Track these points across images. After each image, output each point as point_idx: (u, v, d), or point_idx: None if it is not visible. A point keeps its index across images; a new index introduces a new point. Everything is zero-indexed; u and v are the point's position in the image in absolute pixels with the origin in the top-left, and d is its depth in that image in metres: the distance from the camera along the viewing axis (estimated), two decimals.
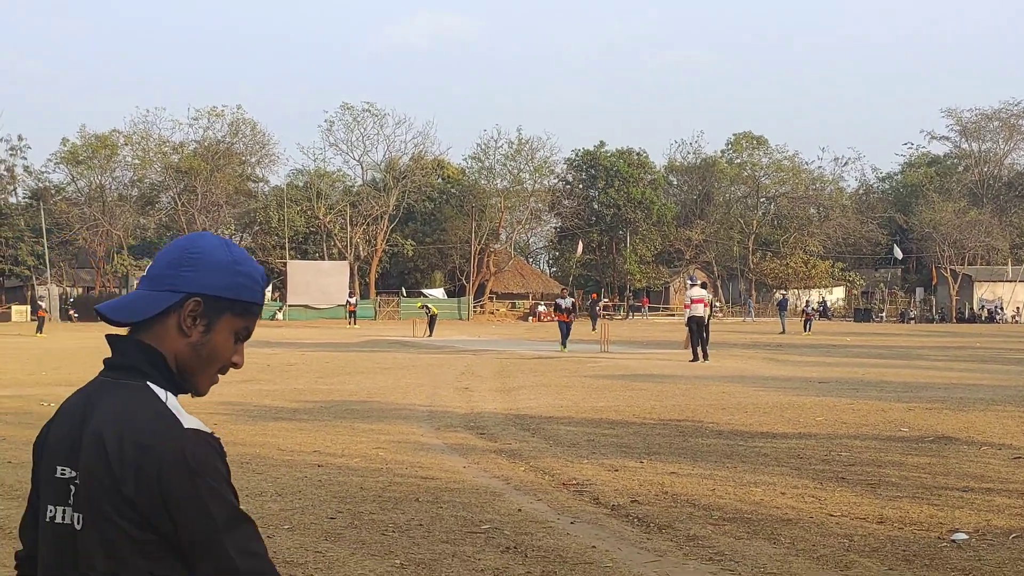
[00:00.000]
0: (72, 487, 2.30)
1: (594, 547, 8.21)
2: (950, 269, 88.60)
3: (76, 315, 76.39)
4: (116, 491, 2.23)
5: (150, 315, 2.39)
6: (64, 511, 2.32)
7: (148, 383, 2.35)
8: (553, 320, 71.97)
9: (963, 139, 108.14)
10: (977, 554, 7.88)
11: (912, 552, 7.91)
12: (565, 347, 35.87)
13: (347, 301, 70.97)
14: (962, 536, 8.36)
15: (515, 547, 8.16)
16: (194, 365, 2.42)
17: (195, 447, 2.26)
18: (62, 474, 2.33)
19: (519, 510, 9.54)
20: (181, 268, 2.44)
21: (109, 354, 2.41)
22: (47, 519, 2.35)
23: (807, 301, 58.99)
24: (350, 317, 67.92)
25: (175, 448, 2.23)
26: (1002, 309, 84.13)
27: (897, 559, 7.69)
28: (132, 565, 2.25)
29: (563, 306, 36.89)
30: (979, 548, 8.06)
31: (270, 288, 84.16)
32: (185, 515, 2.22)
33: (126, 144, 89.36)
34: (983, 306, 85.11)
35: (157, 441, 2.24)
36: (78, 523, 2.28)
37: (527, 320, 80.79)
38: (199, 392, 2.46)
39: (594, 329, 58.77)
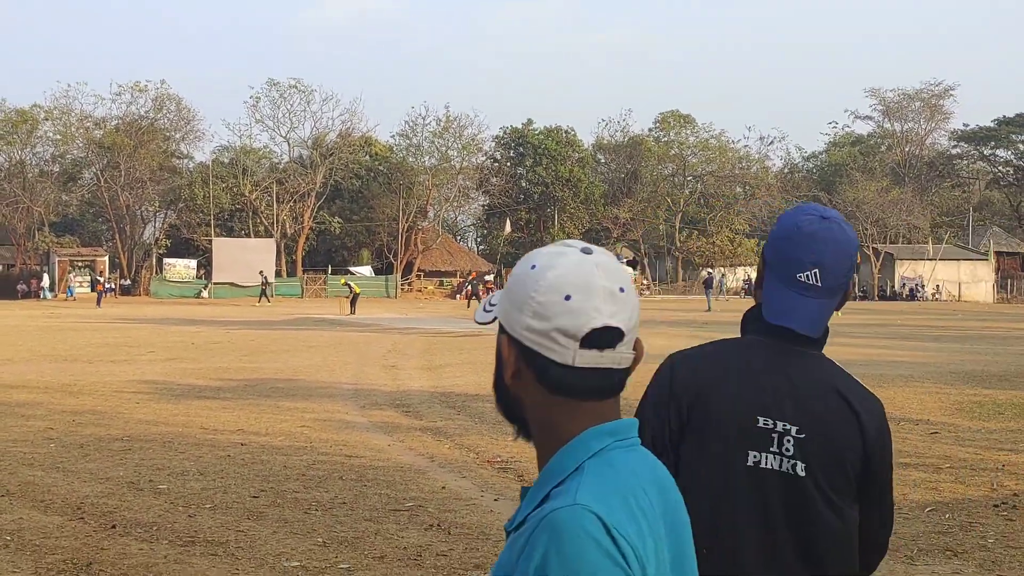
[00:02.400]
0: (781, 437, 2.56)
1: None
2: (872, 247, 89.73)
3: None
4: (852, 444, 2.57)
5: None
6: (774, 458, 2.57)
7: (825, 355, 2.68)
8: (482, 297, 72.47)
9: (886, 119, 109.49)
10: (894, 528, 8.01)
11: None
12: None
13: (263, 280, 68.75)
14: None
15: (438, 524, 8.17)
16: None
17: (881, 406, 2.69)
18: (764, 424, 2.57)
19: (443, 488, 9.55)
20: (848, 272, 2.66)
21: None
22: (749, 464, 2.57)
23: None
24: (261, 295, 66.34)
25: (880, 407, 2.67)
26: (923, 287, 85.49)
27: None
28: (846, 506, 2.59)
29: None
30: (896, 522, 8.19)
31: (195, 266, 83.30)
32: (884, 462, 2.66)
33: (47, 119, 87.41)
34: (904, 284, 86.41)
35: (873, 401, 2.65)
36: (801, 471, 2.55)
37: (455, 298, 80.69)
38: None
39: (469, 306, 58.99)
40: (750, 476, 2.56)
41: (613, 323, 1.72)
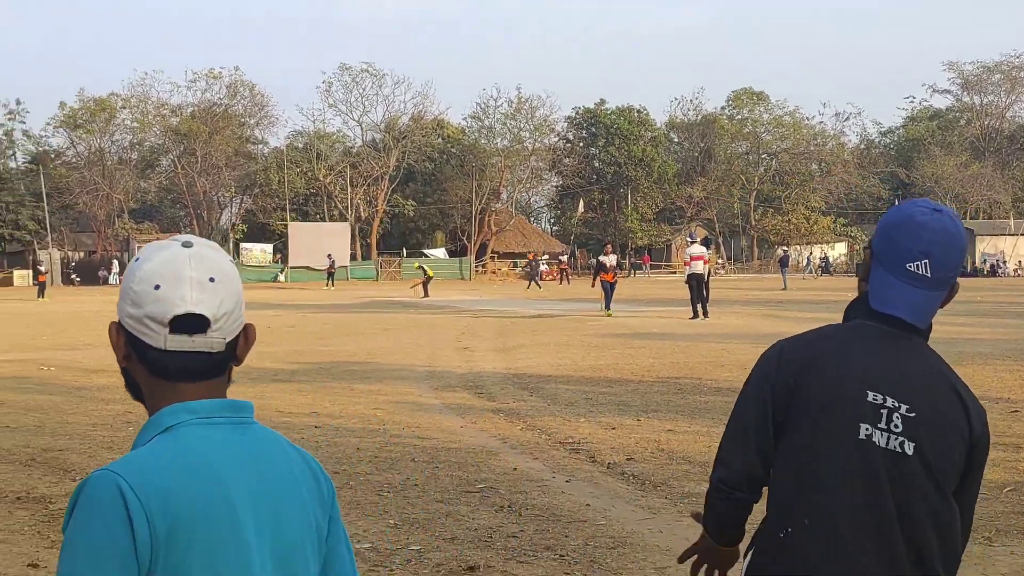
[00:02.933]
0: (890, 413, 2.56)
1: (588, 505, 8.22)
2: None
3: (78, 279, 76.43)
4: (961, 433, 2.58)
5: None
6: (881, 435, 2.56)
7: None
8: (554, 279, 72.51)
9: (965, 92, 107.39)
10: None
11: None
12: (610, 309, 31.77)
13: (330, 262, 66.78)
14: None
15: (509, 506, 8.18)
16: None
17: (983, 409, 2.70)
18: (874, 399, 2.57)
19: (515, 469, 9.56)
20: (957, 266, 2.65)
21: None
22: (861, 437, 2.56)
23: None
24: (328, 278, 65.00)
25: (983, 408, 2.69)
26: (1004, 263, 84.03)
27: None
28: (948, 491, 2.57)
29: (607, 264, 32.84)
30: None
31: (271, 250, 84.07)
32: (983, 463, 2.66)
33: (124, 107, 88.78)
34: (985, 260, 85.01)
35: (976, 400, 2.67)
36: (908, 449, 2.54)
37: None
38: None
39: (529, 288, 59.56)
40: (861, 450, 2.54)
41: (197, 310, 1.90)
